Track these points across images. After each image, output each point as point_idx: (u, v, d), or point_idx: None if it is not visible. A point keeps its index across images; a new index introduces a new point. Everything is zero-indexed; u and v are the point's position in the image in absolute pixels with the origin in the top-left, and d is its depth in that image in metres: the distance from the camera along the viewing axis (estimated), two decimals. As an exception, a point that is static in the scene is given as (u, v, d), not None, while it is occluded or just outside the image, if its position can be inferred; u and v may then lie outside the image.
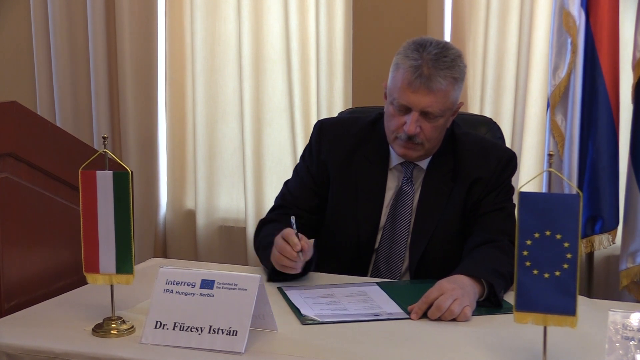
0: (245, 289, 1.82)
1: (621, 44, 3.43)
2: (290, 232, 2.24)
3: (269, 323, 1.89)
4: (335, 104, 3.90)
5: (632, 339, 1.53)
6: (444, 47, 2.33)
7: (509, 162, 2.48)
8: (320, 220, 2.58)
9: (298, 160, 2.68)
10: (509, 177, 2.48)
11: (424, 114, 2.31)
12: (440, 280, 2.10)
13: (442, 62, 2.29)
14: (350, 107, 3.79)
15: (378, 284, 2.31)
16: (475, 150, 2.47)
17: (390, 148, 2.46)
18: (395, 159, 2.47)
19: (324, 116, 3.81)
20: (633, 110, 3.39)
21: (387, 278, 2.47)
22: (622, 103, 3.44)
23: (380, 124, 2.48)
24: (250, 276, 1.84)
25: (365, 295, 2.20)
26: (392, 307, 2.10)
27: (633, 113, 3.39)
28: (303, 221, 2.44)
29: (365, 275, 2.51)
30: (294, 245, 2.22)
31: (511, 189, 2.50)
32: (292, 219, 2.28)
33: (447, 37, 3.75)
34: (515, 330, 1.75)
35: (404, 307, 2.09)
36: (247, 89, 4.03)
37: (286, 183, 2.65)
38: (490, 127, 2.80)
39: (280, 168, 4.09)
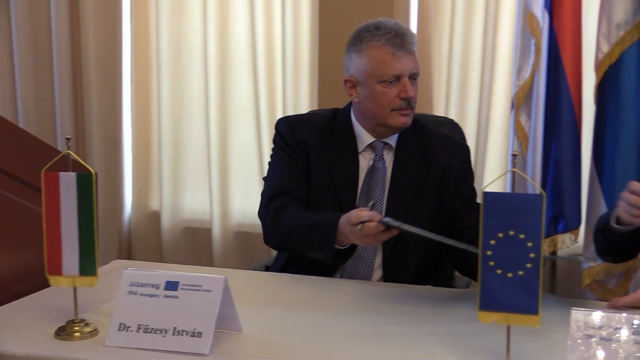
0: (210, 290, 1.81)
1: (584, 45, 3.45)
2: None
3: (234, 324, 1.89)
4: (301, 105, 3.90)
5: (594, 336, 1.55)
6: (394, 20, 2.57)
7: (468, 154, 2.73)
8: None
9: (264, 160, 2.70)
10: (471, 168, 2.73)
11: (411, 77, 2.52)
12: None
13: (402, 29, 2.53)
14: (316, 107, 3.80)
15: None
16: (439, 139, 2.67)
17: (359, 132, 2.60)
18: (363, 142, 2.60)
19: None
20: (595, 110, 3.42)
21: (363, 254, 2.52)
22: (584, 104, 3.46)
23: (340, 117, 2.65)
24: (215, 277, 1.83)
25: None
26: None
27: (595, 113, 3.42)
28: (305, 202, 2.57)
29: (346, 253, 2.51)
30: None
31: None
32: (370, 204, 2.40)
33: (413, 39, 3.77)
34: (479, 329, 1.76)
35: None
36: (213, 89, 4.01)
37: (268, 179, 2.67)
38: (453, 128, 2.86)
39: (246, 169, 4.08)
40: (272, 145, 2.72)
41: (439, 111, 3.74)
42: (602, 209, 3.38)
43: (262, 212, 2.60)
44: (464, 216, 2.58)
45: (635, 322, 1.54)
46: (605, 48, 3.32)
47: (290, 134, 2.64)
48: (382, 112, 2.53)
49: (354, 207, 2.50)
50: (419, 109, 3.71)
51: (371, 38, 2.52)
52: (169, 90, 4.10)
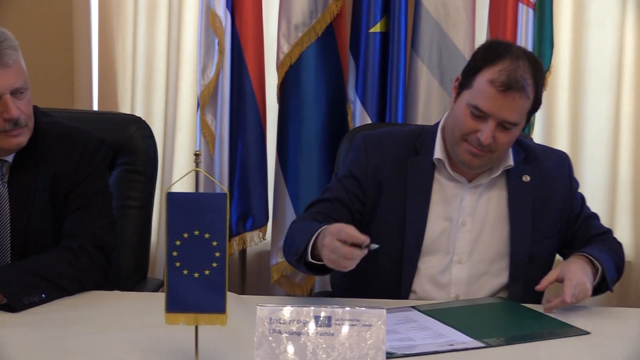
0: None
1: (266, 45, 3.55)
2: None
3: None
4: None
5: (283, 331, 1.57)
6: None
7: (98, 149, 2.43)
8: None
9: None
10: (100, 165, 2.43)
11: (14, 92, 2.20)
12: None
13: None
14: None
15: (415, 307, 2.15)
16: (58, 141, 2.39)
17: None
18: None
19: None
20: (278, 109, 3.52)
21: None
22: (268, 103, 3.56)
23: None
24: None
25: (415, 322, 2.04)
26: (460, 336, 1.94)
27: (278, 112, 3.52)
28: None
29: None
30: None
31: (105, 176, 2.47)
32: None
33: (95, 37, 3.69)
34: (167, 331, 1.72)
35: (471, 334, 1.94)
36: None
37: None
38: (140, 125, 2.75)
39: None
40: None
41: (125, 110, 3.67)
42: (288, 205, 3.50)
43: None
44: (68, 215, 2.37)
45: (322, 314, 1.58)
46: (285, 48, 3.43)
47: None
48: None
49: None
50: (104, 107, 3.66)
51: None
52: None
